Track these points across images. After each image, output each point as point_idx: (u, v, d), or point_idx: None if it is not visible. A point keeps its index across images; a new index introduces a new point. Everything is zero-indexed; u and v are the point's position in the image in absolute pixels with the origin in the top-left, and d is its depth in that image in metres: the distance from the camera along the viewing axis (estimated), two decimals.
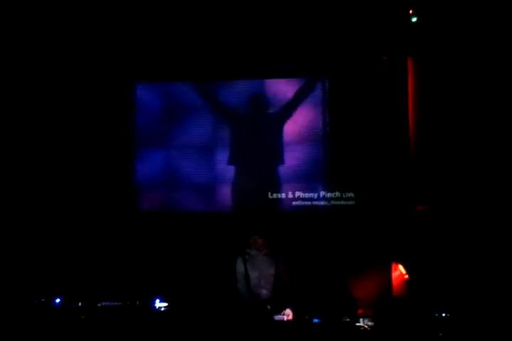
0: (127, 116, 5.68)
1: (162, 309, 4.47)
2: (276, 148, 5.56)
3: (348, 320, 4.03)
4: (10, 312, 4.14)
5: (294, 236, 5.23)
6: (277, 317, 4.16)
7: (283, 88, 5.56)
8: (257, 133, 5.60)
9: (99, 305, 4.46)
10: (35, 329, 3.91)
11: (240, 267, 4.53)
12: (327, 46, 5.40)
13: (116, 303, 4.47)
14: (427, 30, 5.23)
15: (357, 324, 3.99)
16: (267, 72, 5.60)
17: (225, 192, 5.57)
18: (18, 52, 5.43)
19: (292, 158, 5.52)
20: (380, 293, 4.89)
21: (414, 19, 5.19)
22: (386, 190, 5.27)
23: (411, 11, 5.19)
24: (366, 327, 3.95)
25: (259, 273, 4.48)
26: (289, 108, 5.55)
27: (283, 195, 5.49)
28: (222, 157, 5.58)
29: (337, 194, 5.43)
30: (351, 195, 5.40)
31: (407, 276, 5.02)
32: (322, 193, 5.45)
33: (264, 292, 4.45)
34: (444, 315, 4.05)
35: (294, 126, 5.53)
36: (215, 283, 5.05)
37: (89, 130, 5.60)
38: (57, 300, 4.53)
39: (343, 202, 5.40)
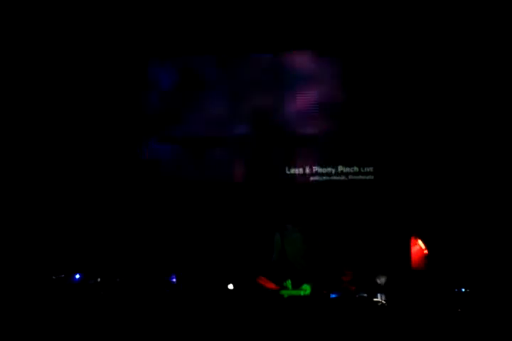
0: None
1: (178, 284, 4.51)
2: (293, 123, 5.49)
3: (366, 295, 4.00)
4: (30, 288, 4.21)
5: (311, 211, 5.19)
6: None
7: (300, 61, 5.47)
8: (274, 107, 5.53)
9: (118, 280, 4.51)
10: (55, 305, 3.97)
11: (277, 240, 4.66)
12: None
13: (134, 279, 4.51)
14: None
15: (374, 299, 3.97)
16: (284, 45, 5.49)
17: (243, 168, 5.55)
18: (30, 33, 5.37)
19: (310, 132, 5.44)
20: (399, 268, 4.84)
21: None
22: (405, 164, 5.19)
23: None
24: (384, 302, 3.93)
25: (294, 247, 4.57)
26: (307, 81, 5.45)
27: (300, 170, 5.44)
28: (239, 132, 5.54)
29: (355, 168, 5.36)
30: (370, 169, 5.33)
31: (426, 251, 4.96)
32: (340, 168, 5.39)
33: (297, 266, 4.53)
34: (463, 290, 4.00)
35: (312, 99, 5.44)
36: (228, 255, 5.10)
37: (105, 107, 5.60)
38: (77, 276, 4.60)
39: (361, 177, 5.33)
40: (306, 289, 4.33)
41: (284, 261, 4.60)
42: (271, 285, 4.54)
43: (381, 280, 4.03)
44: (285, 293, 4.30)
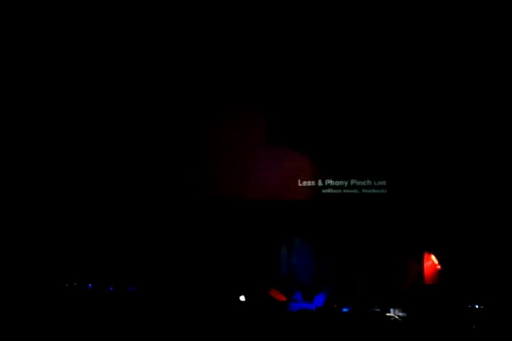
0: None
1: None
2: (305, 135, 5.50)
3: (378, 310, 3.97)
4: (42, 296, 4.22)
5: (322, 224, 5.18)
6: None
7: None
8: (286, 120, 5.55)
9: (130, 290, 4.52)
10: (67, 313, 3.98)
11: (283, 253, 4.61)
12: None
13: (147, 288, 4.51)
14: None
15: (387, 314, 3.93)
16: None
17: (255, 180, 5.55)
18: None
19: (322, 146, 5.45)
20: (412, 283, 4.81)
21: None
22: (419, 178, 5.17)
23: None
24: (397, 317, 3.89)
25: (301, 260, 4.53)
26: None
27: (313, 183, 5.43)
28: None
29: (368, 182, 5.35)
30: (383, 183, 5.31)
31: (439, 266, 4.92)
32: (353, 181, 5.38)
33: (305, 279, 4.48)
34: (477, 306, 3.96)
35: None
36: (236, 273, 5.10)
37: None
38: (89, 285, 4.60)
39: (374, 191, 5.31)
40: (317, 302, 4.31)
41: (292, 274, 4.57)
42: (282, 298, 4.52)
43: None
44: (295, 305, 4.27)
